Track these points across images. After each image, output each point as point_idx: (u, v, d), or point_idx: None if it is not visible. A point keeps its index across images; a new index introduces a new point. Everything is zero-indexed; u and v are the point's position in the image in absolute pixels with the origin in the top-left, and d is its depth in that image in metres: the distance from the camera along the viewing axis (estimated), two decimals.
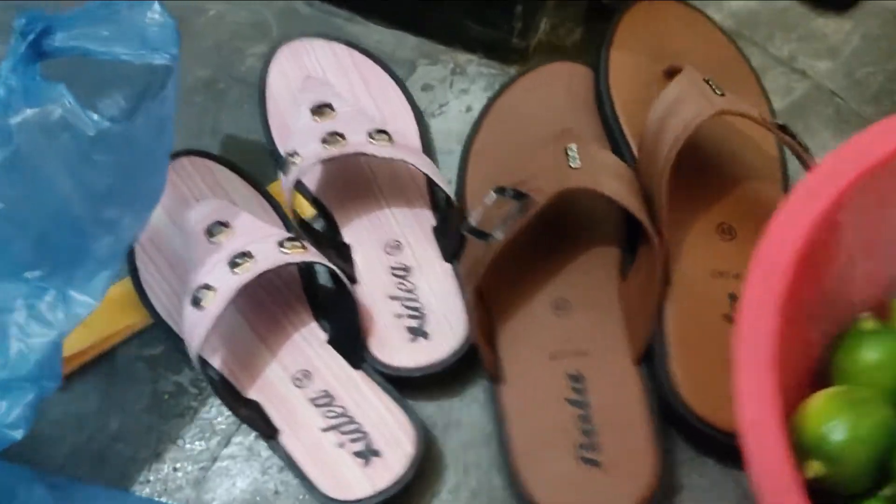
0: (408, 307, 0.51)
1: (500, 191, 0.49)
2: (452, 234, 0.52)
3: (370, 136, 0.51)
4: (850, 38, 0.65)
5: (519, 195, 0.48)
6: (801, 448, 0.40)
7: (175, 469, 0.50)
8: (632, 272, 0.52)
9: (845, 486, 0.40)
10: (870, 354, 0.43)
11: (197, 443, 0.50)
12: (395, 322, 0.50)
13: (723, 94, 0.50)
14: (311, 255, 0.48)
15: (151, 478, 0.49)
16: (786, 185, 0.55)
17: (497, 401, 0.49)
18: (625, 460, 0.46)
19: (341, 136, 0.51)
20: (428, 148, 0.58)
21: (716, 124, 0.54)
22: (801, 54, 0.64)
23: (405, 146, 0.53)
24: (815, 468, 0.39)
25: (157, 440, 0.50)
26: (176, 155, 0.54)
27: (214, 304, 0.46)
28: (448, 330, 0.50)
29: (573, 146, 0.51)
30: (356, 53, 0.59)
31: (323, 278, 0.53)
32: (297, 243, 0.48)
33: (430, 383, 0.50)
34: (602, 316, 0.51)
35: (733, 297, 0.50)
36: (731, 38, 0.62)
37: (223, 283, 0.46)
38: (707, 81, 0.51)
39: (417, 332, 0.50)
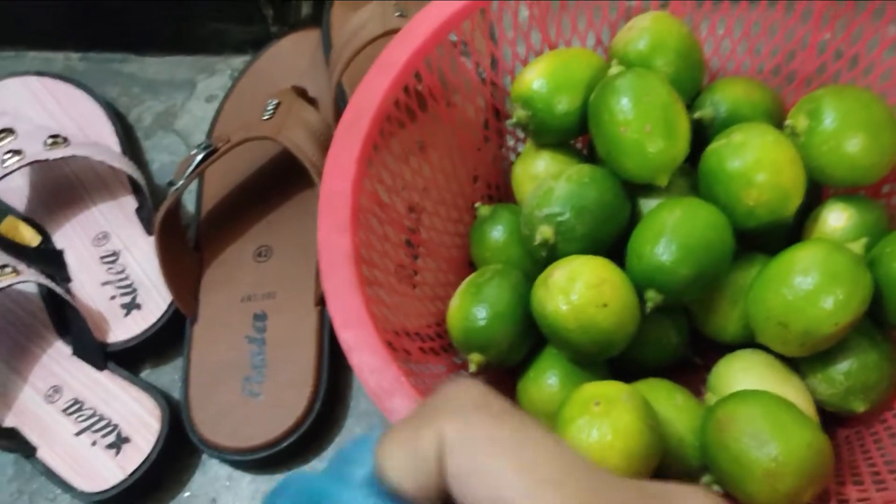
0: (120, 287, 0.53)
1: (199, 145, 0.51)
2: (150, 210, 0.55)
3: (45, 143, 0.54)
4: None
5: (207, 146, 0.51)
6: (463, 346, 0.41)
7: None
8: None
9: (505, 361, 0.42)
10: (495, 234, 0.45)
11: None
12: (111, 304, 0.52)
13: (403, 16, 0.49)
14: (24, 275, 0.49)
15: None
16: None
17: (188, 340, 0.51)
18: (284, 392, 0.48)
19: (18, 152, 0.53)
20: (133, 144, 0.62)
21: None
22: None
23: (85, 144, 0.56)
24: (476, 359, 0.40)
25: None
26: None
27: None
28: (157, 296, 0.52)
29: (274, 101, 0.53)
30: (47, 79, 0.62)
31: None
32: (8, 268, 0.49)
33: (155, 345, 0.52)
34: (297, 260, 0.52)
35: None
36: None
37: None
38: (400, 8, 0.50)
39: (130, 307, 0.52)
